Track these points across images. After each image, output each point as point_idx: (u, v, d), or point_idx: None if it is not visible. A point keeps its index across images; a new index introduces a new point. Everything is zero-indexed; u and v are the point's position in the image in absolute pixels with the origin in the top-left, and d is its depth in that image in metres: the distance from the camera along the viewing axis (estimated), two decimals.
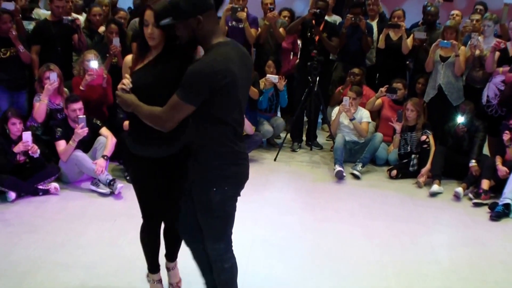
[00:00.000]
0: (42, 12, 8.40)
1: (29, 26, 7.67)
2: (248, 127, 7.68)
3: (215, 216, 3.42)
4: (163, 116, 3.24)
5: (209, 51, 3.23)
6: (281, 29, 8.73)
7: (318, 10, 8.14)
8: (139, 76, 3.54)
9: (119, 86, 3.46)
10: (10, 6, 7.11)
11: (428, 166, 7.17)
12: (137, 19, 7.90)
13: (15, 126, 6.19)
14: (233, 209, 3.52)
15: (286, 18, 8.86)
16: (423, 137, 7.35)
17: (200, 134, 3.34)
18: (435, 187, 6.80)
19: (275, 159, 7.96)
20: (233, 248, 3.65)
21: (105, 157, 6.51)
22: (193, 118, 3.31)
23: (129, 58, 3.95)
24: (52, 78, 6.71)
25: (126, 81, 3.46)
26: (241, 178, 3.49)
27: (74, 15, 8.05)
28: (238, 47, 3.40)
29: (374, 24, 8.93)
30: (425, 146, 7.33)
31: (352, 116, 7.69)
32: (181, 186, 3.64)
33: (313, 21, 8.15)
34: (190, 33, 3.26)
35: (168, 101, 3.21)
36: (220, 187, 3.35)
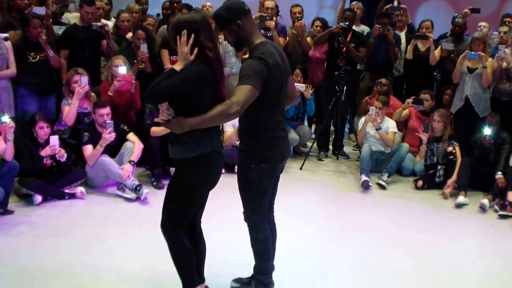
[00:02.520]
0: (71, 16, 8.47)
1: (59, 30, 7.73)
2: None
3: (253, 190, 3.93)
4: (239, 109, 3.55)
5: (255, 50, 3.77)
6: (308, 38, 8.74)
7: (346, 24, 8.12)
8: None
9: (161, 116, 3.65)
10: (41, 10, 7.17)
11: (454, 177, 7.10)
12: (165, 26, 7.99)
13: (42, 130, 6.25)
14: (270, 185, 4.02)
15: (318, 28, 8.83)
16: (450, 148, 7.29)
17: (247, 119, 3.84)
18: (461, 199, 6.73)
19: (301, 168, 7.95)
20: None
21: (132, 163, 6.55)
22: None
23: None
24: (83, 81, 6.77)
25: (166, 113, 3.63)
26: (278, 158, 3.97)
27: (103, 21, 8.11)
28: (275, 44, 4.01)
29: (403, 34, 8.90)
30: (452, 157, 7.27)
31: (378, 126, 7.65)
32: None
33: (341, 34, 8.12)
34: (234, 36, 3.83)
35: (240, 93, 3.55)
36: (258, 165, 3.87)
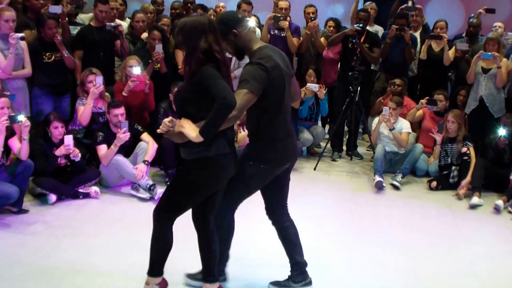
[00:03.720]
0: (85, 16, 8.51)
1: (74, 31, 7.76)
2: None
3: (240, 183, 3.99)
4: (236, 113, 3.60)
5: (254, 55, 3.85)
6: (322, 39, 8.73)
7: (360, 26, 8.10)
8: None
9: (162, 129, 3.74)
10: (58, 9, 7.20)
11: (468, 178, 7.06)
12: None
13: (57, 129, 6.28)
14: (258, 186, 4.11)
15: (332, 28, 8.83)
16: (464, 149, 7.26)
17: (251, 122, 3.97)
18: (475, 200, 6.70)
19: (314, 168, 7.94)
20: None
21: (146, 162, 6.57)
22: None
23: None
24: (98, 81, 6.79)
25: (166, 125, 3.72)
26: (279, 160, 4.02)
27: (118, 21, 8.14)
28: (274, 48, 4.06)
29: (417, 35, 8.87)
30: (466, 158, 7.23)
31: (391, 126, 7.63)
32: None
33: (356, 37, 8.10)
34: (233, 46, 3.91)
35: (237, 97, 3.58)
36: (256, 164, 3.95)
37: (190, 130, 3.58)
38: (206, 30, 3.62)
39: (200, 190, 3.80)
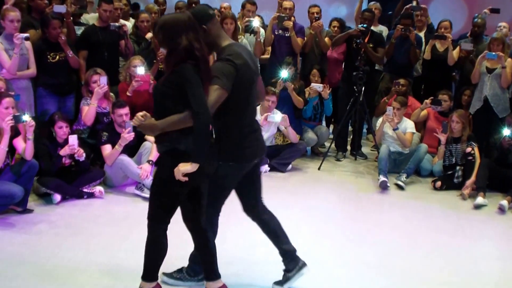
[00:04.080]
0: (90, 16, 8.53)
1: (78, 31, 7.78)
2: (292, 136, 7.70)
3: (215, 184, 3.96)
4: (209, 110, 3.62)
5: (222, 52, 3.87)
6: (326, 39, 8.73)
7: (364, 26, 8.10)
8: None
9: (135, 122, 3.83)
10: (62, 9, 7.24)
11: (473, 178, 7.04)
12: None
13: (61, 129, 6.29)
14: (232, 185, 4.13)
15: (336, 28, 8.84)
16: (468, 149, 7.24)
17: (218, 119, 3.86)
18: (479, 200, 6.68)
19: (319, 168, 7.94)
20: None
21: (150, 162, 6.58)
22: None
23: None
24: (102, 81, 6.80)
25: (138, 119, 3.80)
26: (247, 156, 4.04)
27: (122, 21, 8.15)
28: (242, 45, 4.23)
29: (422, 35, 8.85)
30: (470, 158, 7.21)
31: (395, 126, 7.62)
32: None
33: (360, 37, 8.10)
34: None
35: (209, 95, 3.66)
36: (225, 162, 3.92)
37: (185, 166, 3.63)
38: (186, 28, 3.65)
39: (176, 186, 3.78)
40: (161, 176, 3.89)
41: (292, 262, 4.36)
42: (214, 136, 3.92)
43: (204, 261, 4.13)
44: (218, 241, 4.21)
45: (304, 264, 4.39)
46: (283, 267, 4.39)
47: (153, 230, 3.99)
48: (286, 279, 4.37)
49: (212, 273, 4.12)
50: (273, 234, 4.36)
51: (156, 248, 4.02)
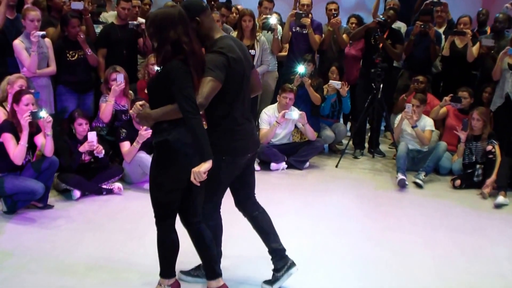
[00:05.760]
0: (108, 15, 8.57)
1: (97, 29, 7.84)
2: (310, 133, 7.69)
3: (210, 180, 3.79)
4: (202, 101, 3.62)
5: (214, 45, 3.85)
6: (344, 35, 8.70)
7: (382, 19, 8.07)
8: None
9: (133, 111, 3.96)
10: (79, 5, 7.30)
11: (493, 177, 6.98)
12: None
13: (81, 126, 6.34)
14: (228, 179, 4.11)
15: (354, 25, 8.81)
16: (489, 147, 7.17)
17: (210, 112, 3.90)
18: (500, 199, 6.62)
19: (336, 166, 7.93)
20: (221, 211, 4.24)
21: None
22: None
23: None
24: (119, 79, 6.83)
25: (136, 108, 3.94)
26: (240, 151, 4.02)
27: (140, 19, 8.18)
28: (235, 38, 4.20)
29: (442, 31, 8.79)
30: (491, 156, 7.14)
31: (414, 123, 7.59)
32: None
33: (378, 30, 8.08)
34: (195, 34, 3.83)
35: (202, 86, 3.65)
36: (218, 157, 3.82)
37: (200, 168, 3.62)
38: (175, 22, 3.65)
39: (169, 179, 3.81)
40: (154, 174, 3.90)
41: (280, 261, 4.33)
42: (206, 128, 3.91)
43: (204, 260, 4.13)
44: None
45: (293, 264, 4.35)
46: (272, 267, 4.36)
47: (160, 227, 4.02)
48: (275, 279, 4.34)
49: (212, 273, 4.11)
50: (263, 231, 4.34)
51: (167, 245, 4.05)
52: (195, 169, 3.62)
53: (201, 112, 3.65)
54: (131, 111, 3.91)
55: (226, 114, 3.93)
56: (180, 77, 3.60)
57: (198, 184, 3.68)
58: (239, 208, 4.36)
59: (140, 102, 3.88)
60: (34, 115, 5.59)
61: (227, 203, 4.26)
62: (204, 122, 3.72)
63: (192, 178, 3.65)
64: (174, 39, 3.63)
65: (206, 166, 3.61)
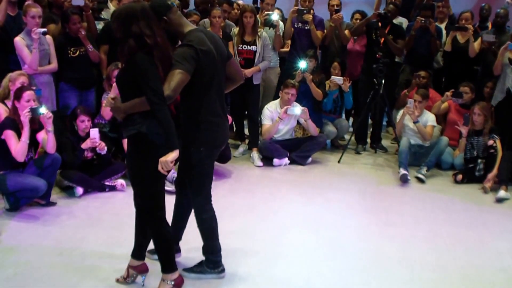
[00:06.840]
0: (110, 12, 8.56)
1: (98, 26, 7.84)
2: (312, 129, 7.69)
3: (195, 172, 4.06)
4: (169, 93, 3.68)
5: (184, 38, 3.93)
6: (346, 31, 8.70)
7: (383, 12, 8.08)
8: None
9: (106, 104, 4.05)
10: (80, 1, 7.30)
11: (494, 171, 7.00)
12: (206, 20, 8.03)
13: (83, 123, 6.34)
14: (211, 167, 4.23)
15: (358, 21, 8.79)
16: (490, 142, 7.19)
17: (183, 104, 4.02)
18: (501, 193, 6.64)
19: (339, 161, 7.94)
20: (213, 203, 4.33)
21: None
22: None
23: None
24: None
25: (109, 101, 3.96)
26: (214, 142, 4.14)
27: None
28: (207, 30, 4.29)
29: (443, 26, 8.78)
30: (492, 151, 7.16)
31: (416, 119, 7.59)
32: None
33: (379, 23, 8.08)
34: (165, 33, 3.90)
35: (170, 79, 3.71)
36: (197, 148, 4.01)
37: (167, 157, 3.68)
38: (138, 16, 3.71)
39: (149, 170, 3.82)
40: (131, 167, 3.97)
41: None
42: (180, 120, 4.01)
43: (158, 251, 4.14)
44: (190, 229, 4.42)
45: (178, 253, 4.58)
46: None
47: (151, 222, 4.05)
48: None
49: (168, 265, 4.12)
50: (178, 217, 4.53)
51: (161, 239, 4.07)
52: (162, 159, 3.68)
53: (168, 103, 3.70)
54: (103, 104, 3.96)
55: (200, 106, 4.01)
56: (146, 70, 3.65)
57: (166, 174, 3.78)
58: (177, 187, 4.50)
59: (112, 95, 3.94)
60: (34, 111, 5.58)
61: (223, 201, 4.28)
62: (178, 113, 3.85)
63: (159, 168, 3.71)
64: (137, 33, 3.69)
65: (173, 155, 3.68)
